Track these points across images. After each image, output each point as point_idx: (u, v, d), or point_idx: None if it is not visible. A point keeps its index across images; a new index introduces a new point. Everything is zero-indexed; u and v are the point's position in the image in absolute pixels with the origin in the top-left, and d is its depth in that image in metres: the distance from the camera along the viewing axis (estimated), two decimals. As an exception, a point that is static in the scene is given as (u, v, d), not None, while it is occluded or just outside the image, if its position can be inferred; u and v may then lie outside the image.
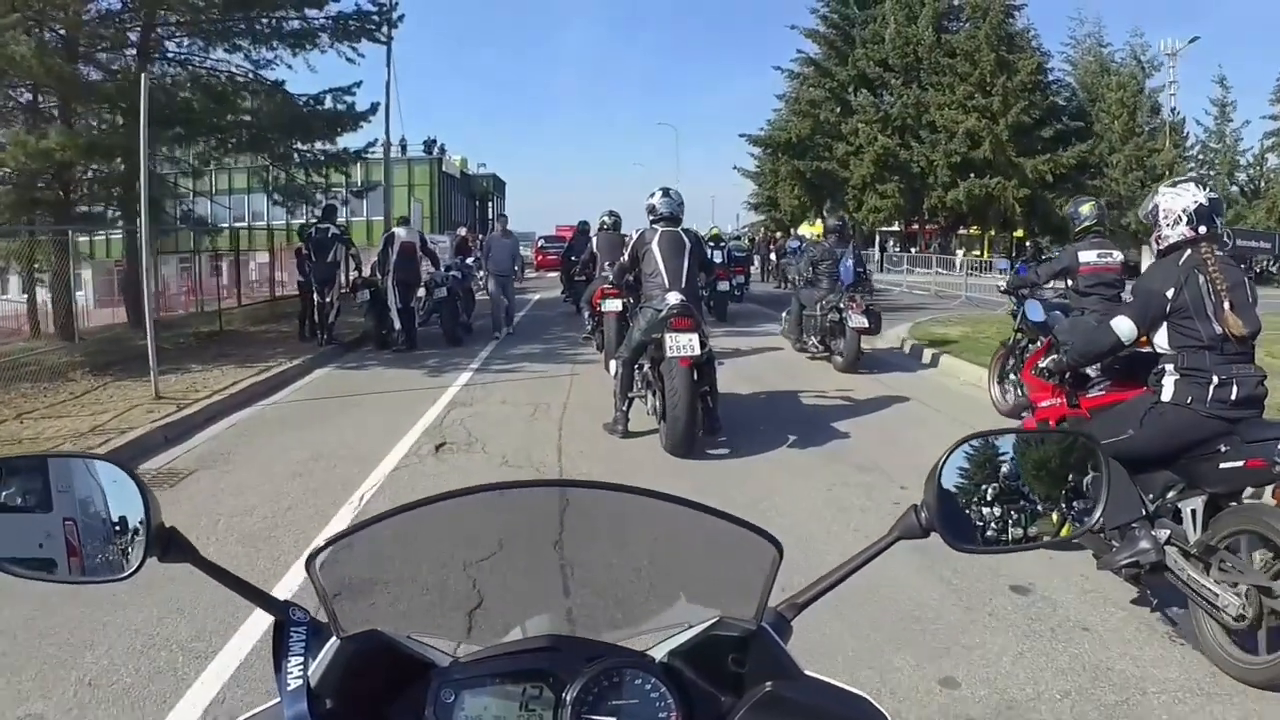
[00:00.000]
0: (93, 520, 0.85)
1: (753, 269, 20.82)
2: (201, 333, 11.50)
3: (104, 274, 19.23)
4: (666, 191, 5.77)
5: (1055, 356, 3.53)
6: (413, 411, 6.49)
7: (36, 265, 10.10)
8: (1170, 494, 2.93)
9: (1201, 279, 2.86)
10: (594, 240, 10.44)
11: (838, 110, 31.52)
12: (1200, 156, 38.09)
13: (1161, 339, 2.96)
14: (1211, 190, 3.03)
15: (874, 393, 7.29)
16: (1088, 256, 5.24)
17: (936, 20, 31.61)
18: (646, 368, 5.59)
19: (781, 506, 4.28)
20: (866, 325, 8.11)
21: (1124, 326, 3.04)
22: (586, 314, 9.69)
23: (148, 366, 9.00)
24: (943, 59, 31.15)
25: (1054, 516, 0.95)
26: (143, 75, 6.75)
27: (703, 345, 5.17)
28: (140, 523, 0.83)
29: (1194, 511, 2.83)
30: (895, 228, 36.98)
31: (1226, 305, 2.82)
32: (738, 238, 27.13)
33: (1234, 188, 37.86)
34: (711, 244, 13.50)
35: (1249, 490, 2.79)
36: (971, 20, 31.50)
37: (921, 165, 30.83)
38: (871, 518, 4.05)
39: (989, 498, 0.92)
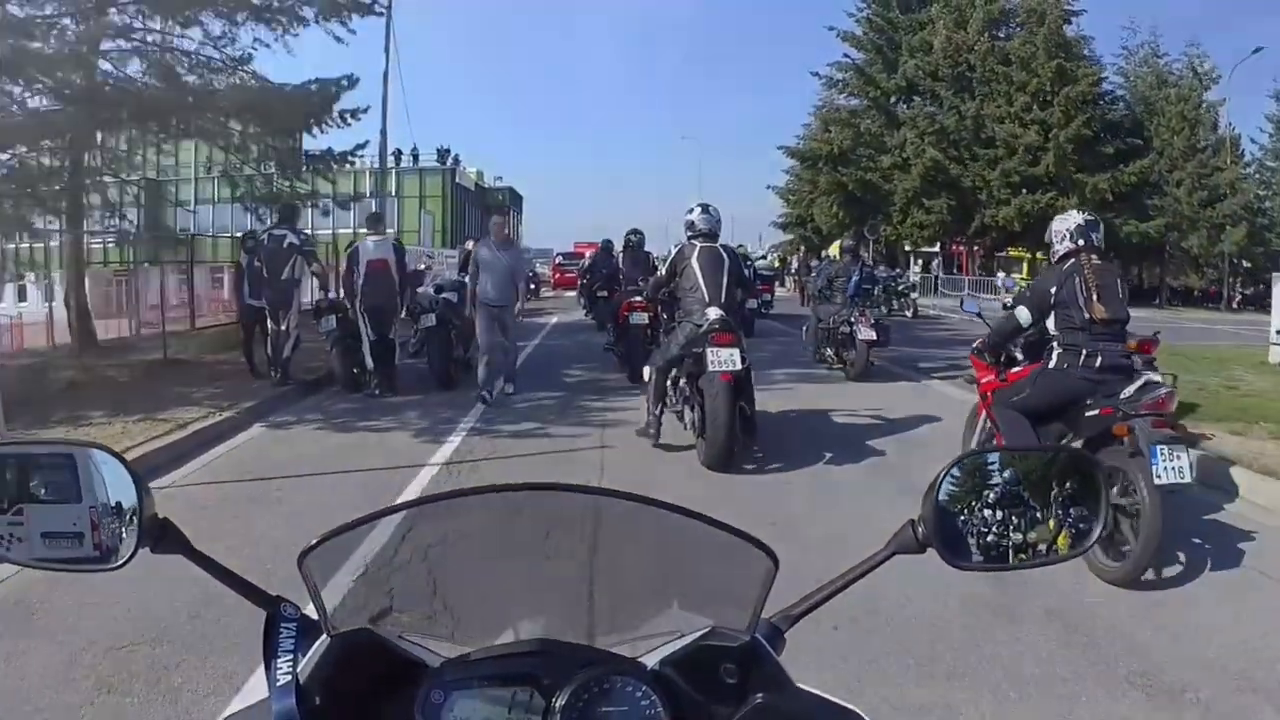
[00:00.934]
0: (104, 509, 0.86)
1: (787, 290, 21.90)
2: (144, 361, 9.56)
3: (103, 284, 17.45)
4: (705, 208, 5.80)
5: (983, 338, 4.56)
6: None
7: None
8: (1063, 441, 3.89)
9: (1078, 279, 3.92)
10: (619, 257, 10.98)
11: (881, 120, 29.41)
12: (1257, 175, 35.54)
13: (1051, 323, 4.03)
14: (1089, 214, 4.23)
15: (900, 401, 7.72)
16: None
17: (988, 26, 29.40)
18: (684, 382, 5.59)
19: (829, 518, 4.40)
20: (875, 338, 8.78)
21: (1023, 314, 4.18)
22: (610, 328, 9.96)
23: (59, 409, 7.04)
24: (997, 67, 28.89)
25: (1051, 529, 0.92)
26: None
27: (743, 360, 5.20)
28: (133, 513, 0.84)
29: None
30: (935, 248, 34.68)
31: (1095, 297, 3.86)
32: (764, 257, 27.52)
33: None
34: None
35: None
36: (1026, 25, 29.25)
37: (974, 181, 28.55)
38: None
39: (986, 515, 0.91)
